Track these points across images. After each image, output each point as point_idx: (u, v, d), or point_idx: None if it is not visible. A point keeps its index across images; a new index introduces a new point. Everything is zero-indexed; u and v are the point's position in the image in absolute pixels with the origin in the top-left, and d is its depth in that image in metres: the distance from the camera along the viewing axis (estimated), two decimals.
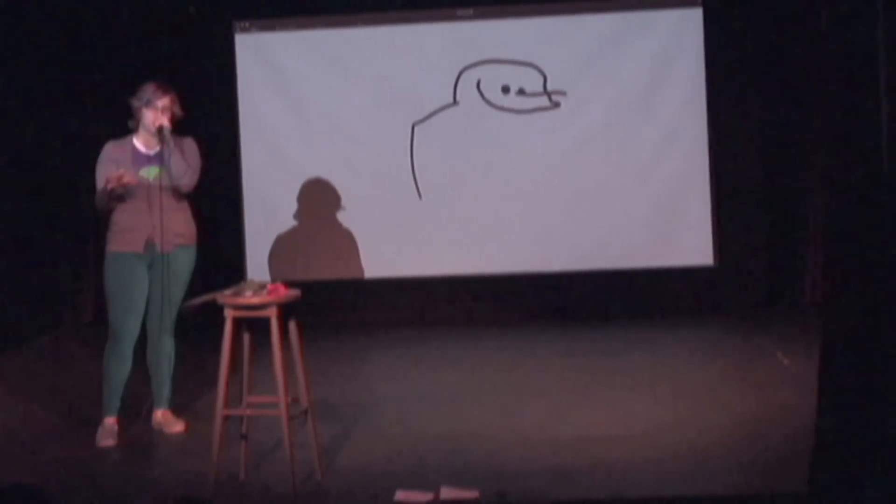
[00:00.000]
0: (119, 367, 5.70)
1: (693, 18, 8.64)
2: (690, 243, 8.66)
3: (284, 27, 8.87)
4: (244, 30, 8.87)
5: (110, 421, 5.70)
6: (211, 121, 8.62)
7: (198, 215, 5.95)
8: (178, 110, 5.78)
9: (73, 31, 8.76)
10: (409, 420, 5.90)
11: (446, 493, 4.65)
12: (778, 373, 6.59)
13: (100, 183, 5.66)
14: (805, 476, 4.22)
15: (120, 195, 5.65)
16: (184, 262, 5.81)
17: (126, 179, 5.58)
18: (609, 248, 8.68)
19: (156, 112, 5.70)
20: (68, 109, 8.80)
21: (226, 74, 8.86)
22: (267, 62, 8.87)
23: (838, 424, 4.10)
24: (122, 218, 5.71)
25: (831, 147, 4.28)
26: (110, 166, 5.63)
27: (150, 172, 5.72)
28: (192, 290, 5.68)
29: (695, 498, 4.54)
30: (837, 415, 4.11)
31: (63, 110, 8.81)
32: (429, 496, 4.65)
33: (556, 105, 8.73)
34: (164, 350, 5.84)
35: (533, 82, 8.73)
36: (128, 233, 5.69)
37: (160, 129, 5.70)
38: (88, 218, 8.45)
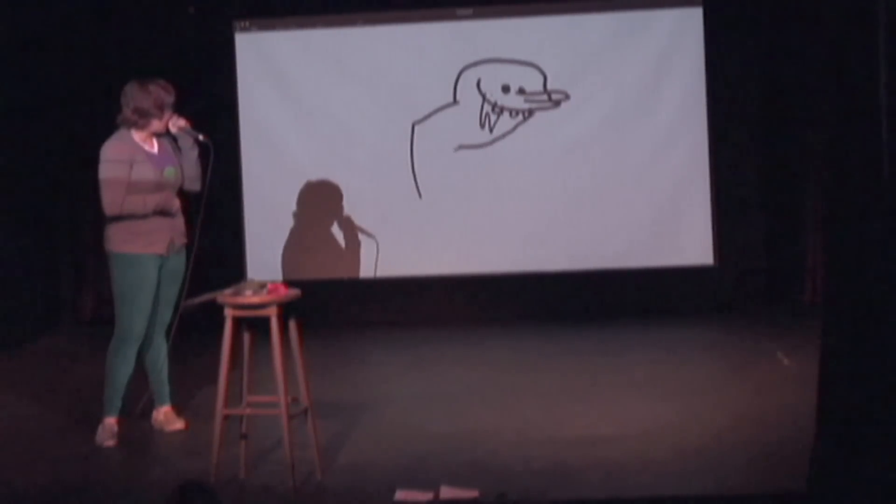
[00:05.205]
0: (124, 368, 5.69)
1: (693, 18, 8.63)
2: (690, 243, 8.66)
3: (284, 27, 8.87)
4: (244, 29, 8.87)
5: (111, 421, 5.70)
6: (211, 121, 8.61)
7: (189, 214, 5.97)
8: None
9: (72, 31, 8.76)
10: (409, 420, 5.90)
11: (446, 492, 4.66)
12: (778, 373, 6.59)
13: (113, 181, 5.55)
14: (805, 476, 4.22)
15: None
16: (183, 263, 5.83)
17: (176, 206, 5.70)
18: (609, 248, 8.68)
19: (171, 113, 5.72)
20: (68, 109, 8.81)
21: (226, 74, 8.86)
22: (267, 62, 8.87)
23: (838, 424, 4.10)
24: (145, 219, 5.63)
25: (831, 147, 4.27)
26: (125, 167, 5.58)
27: (170, 173, 5.72)
28: (193, 290, 5.67)
29: (695, 498, 4.54)
30: (837, 414, 4.11)
31: (63, 110, 8.82)
32: (429, 496, 4.65)
33: (557, 104, 8.73)
34: (164, 349, 5.86)
35: (533, 82, 8.74)
36: (150, 234, 5.63)
37: (186, 130, 5.75)
38: (88, 218, 8.45)
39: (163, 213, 5.65)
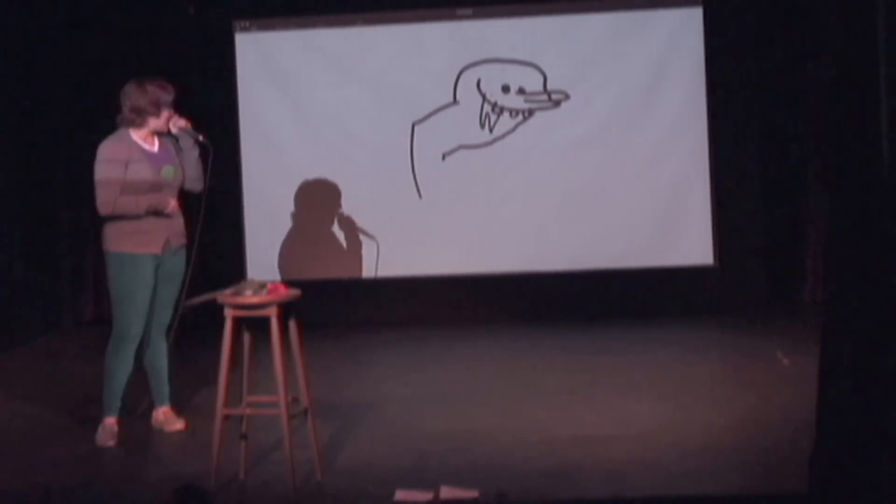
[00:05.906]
0: (123, 368, 5.69)
1: (693, 18, 8.63)
2: (690, 243, 8.66)
3: (284, 27, 8.87)
4: (244, 29, 8.87)
5: (110, 421, 5.70)
6: (211, 121, 8.61)
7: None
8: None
9: (72, 31, 8.76)
10: (409, 420, 5.90)
11: (446, 492, 4.65)
12: (778, 373, 6.59)
13: (106, 181, 5.55)
14: (805, 476, 4.22)
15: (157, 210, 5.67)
16: (183, 263, 5.83)
17: (172, 207, 5.68)
18: (609, 248, 8.68)
19: (170, 112, 5.72)
20: (68, 109, 8.81)
21: (226, 74, 8.86)
22: (267, 62, 8.87)
23: (838, 424, 4.10)
24: (140, 219, 5.63)
25: (831, 147, 4.28)
26: (120, 166, 5.58)
27: (168, 172, 5.72)
28: (193, 289, 5.68)
29: (695, 498, 4.54)
30: (837, 414, 4.11)
31: (63, 110, 8.82)
32: (429, 496, 4.65)
33: (557, 104, 8.73)
34: (163, 350, 5.86)
35: (533, 82, 8.74)
36: (146, 234, 5.63)
37: (186, 131, 5.74)
38: (88, 218, 8.45)
39: (157, 213, 5.65)
